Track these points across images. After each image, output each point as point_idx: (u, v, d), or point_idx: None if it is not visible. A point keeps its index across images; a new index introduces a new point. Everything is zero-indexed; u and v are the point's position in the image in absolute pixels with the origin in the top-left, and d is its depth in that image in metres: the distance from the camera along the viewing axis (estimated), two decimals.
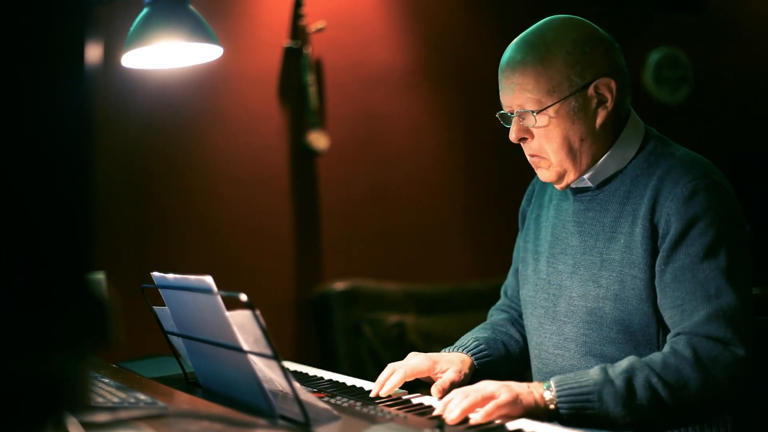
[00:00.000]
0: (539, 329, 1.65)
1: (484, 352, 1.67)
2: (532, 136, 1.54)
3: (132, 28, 1.92)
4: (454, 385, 1.53)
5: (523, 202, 1.82)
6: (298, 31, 3.55)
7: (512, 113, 1.55)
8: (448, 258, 3.91)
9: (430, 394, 1.52)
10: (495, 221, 3.91)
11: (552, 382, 1.38)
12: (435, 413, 1.35)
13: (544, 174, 1.58)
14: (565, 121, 1.51)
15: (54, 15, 0.66)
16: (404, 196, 3.82)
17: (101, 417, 1.20)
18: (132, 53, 1.95)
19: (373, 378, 1.62)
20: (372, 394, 1.52)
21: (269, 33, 3.52)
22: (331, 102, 3.65)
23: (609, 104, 1.53)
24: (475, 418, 1.31)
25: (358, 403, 1.42)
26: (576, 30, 1.54)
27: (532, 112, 1.51)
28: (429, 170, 3.89)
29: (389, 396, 1.51)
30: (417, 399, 1.48)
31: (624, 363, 1.39)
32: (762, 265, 3.71)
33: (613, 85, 1.52)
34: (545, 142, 1.53)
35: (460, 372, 1.57)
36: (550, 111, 1.50)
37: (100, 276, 1.78)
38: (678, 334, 1.42)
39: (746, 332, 1.40)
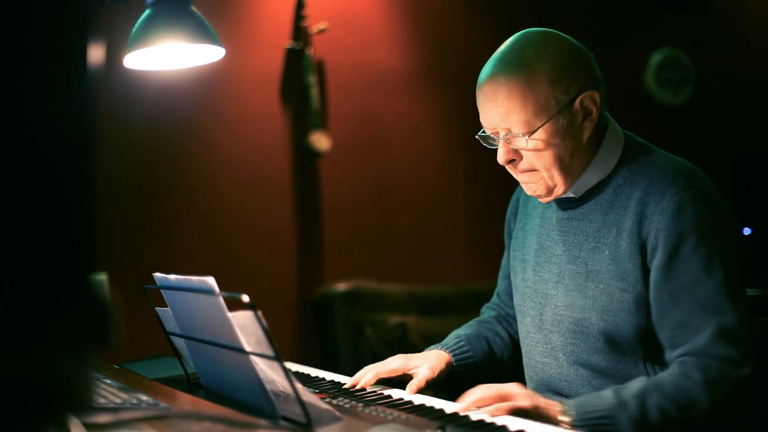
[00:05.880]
0: (527, 337, 1.68)
1: (464, 349, 1.73)
2: (521, 157, 1.52)
3: (134, 30, 1.93)
4: (429, 383, 1.61)
5: (508, 215, 1.82)
6: (300, 32, 3.55)
7: (497, 136, 1.53)
8: (449, 259, 3.91)
9: (433, 395, 1.53)
10: (496, 222, 3.89)
11: (568, 408, 1.40)
12: (461, 402, 1.40)
13: (532, 188, 1.56)
14: (554, 140, 1.49)
15: (56, 16, 0.66)
16: (406, 197, 3.82)
17: (103, 418, 1.21)
18: (134, 54, 1.95)
19: (379, 380, 1.65)
20: (347, 385, 1.61)
21: (271, 34, 3.53)
22: (332, 103, 3.65)
23: (594, 116, 1.51)
24: (486, 409, 1.36)
25: (360, 404, 1.42)
26: (555, 45, 1.51)
27: (522, 134, 1.49)
28: (430, 171, 3.89)
29: (385, 394, 1.51)
30: (419, 400, 1.48)
31: (636, 385, 1.41)
32: (762, 265, 3.72)
33: (596, 96, 1.50)
34: (536, 161, 1.51)
35: (433, 369, 1.63)
36: (540, 132, 1.48)
37: (102, 277, 1.79)
38: (685, 354, 1.43)
39: (748, 349, 1.41)
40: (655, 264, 1.45)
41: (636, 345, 1.49)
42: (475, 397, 1.39)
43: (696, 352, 1.41)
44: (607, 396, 1.40)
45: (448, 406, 1.41)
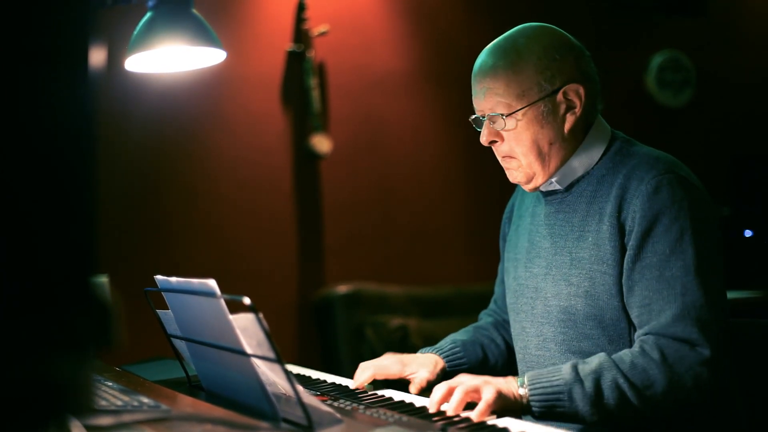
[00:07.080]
0: (521, 333, 1.70)
1: (458, 355, 1.75)
2: (502, 139, 1.58)
3: (135, 32, 1.93)
4: (430, 383, 1.63)
5: (503, 221, 1.87)
6: (301, 34, 3.55)
7: (483, 117, 1.59)
8: (450, 261, 3.91)
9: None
10: (497, 224, 3.90)
11: (526, 379, 1.43)
12: (431, 412, 1.40)
13: (513, 175, 1.62)
14: (534, 125, 1.55)
15: (57, 18, 0.66)
16: (407, 199, 3.82)
17: (104, 420, 1.21)
18: (135, 57, 1.95)
19: (375, 381, 1.65)
20: (352, 387, 1.63)
21: (272, 37, 3.53)
22: (333, 105, 3.65)
23: (577, 110, 1.56)
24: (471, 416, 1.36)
25: (361, 406, 1.42)
26: (547, 37, 1.57)
27: (502, 115, 1.55)
28: (431, 173, 3.89)
29: (386, 396, 1.52)
30: (420, 402, 1.48)
31: (594, 362, 1.43)
32: (763, 268, 3.70)
33: (581, 91, 1.55)
34: (515, 144, 1.57)
35: (433, 372, 1.67)
36: (520, 114, 1.54)
37: (103, 279, 1.79)
38: (646, 333, 1.45)
39: (713, 330, 1.42)
40: (631, 244, 1.48)
41: (623, 328, 1.51)
42: (439, 396, 1.40)
43: (655, 332, 1.43)
44: (564, 371, 1.42)
45: (450, 408, 1.41)
